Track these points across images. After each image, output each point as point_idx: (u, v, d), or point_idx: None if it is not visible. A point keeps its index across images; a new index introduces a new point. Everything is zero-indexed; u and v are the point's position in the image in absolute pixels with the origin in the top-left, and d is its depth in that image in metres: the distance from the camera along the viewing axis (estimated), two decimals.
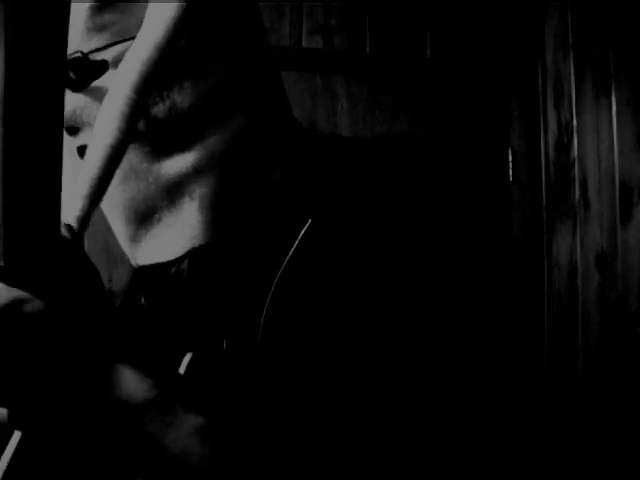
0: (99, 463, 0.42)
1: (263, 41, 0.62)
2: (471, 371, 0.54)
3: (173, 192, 0.58)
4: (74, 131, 0.58)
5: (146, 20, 0.54)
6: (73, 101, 0.57)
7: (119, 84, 0.53)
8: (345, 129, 1.85)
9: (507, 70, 1.97)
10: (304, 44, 1.86)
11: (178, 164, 0.57)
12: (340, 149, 0.61)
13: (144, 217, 0.59)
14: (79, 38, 0.56)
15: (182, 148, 0.57)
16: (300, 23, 1.86)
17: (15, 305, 0.38)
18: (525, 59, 1.98)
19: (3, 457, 0.43)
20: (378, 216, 0.53)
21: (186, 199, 0.58)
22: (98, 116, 0.54)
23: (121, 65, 0.54)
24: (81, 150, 0.58)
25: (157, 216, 0.58)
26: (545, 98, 1.95)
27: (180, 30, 0.54)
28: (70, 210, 0.53)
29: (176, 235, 0.58)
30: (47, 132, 0.38)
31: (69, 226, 0.51)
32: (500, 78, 1.97)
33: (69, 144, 0.59)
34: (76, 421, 0.41)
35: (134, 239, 0.60)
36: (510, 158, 1.94)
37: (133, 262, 0.63)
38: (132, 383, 0.43)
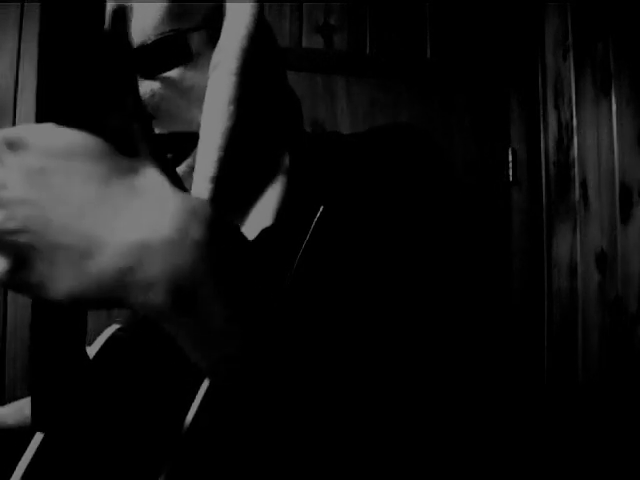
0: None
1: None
2: (471, 371, 0.54)
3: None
4: (149, 118, 0.57)
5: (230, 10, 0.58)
6: (148, 88, 0.56)
7: (220, 70, 0.56)
8: (345, 129, 1.85)
9: (507, 70, 1.97)
10: (304, 44, 1.86)
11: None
12: (345, 143, 0.62)
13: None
14: (153, 25, 0.55)
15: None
16: (300, 23, 1.86)
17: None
18: (525, 59, 1.98)
19: (22, 460, 0.43)
20: (384, 204, 0.54)
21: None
22: (206, 105, 0.56)
23: (218, 49, 0.57)
24: (159, 138, 0.57)
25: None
26: (545, 98, 1.95)
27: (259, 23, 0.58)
28: (199, 182, 0.54)
29: (253, 219, 0.59)
30: None
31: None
32: (500, 78, 1.97)
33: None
34: None
35: None
36: (510, 158, 1.94)
37: None
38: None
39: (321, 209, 0.54)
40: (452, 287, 0.54)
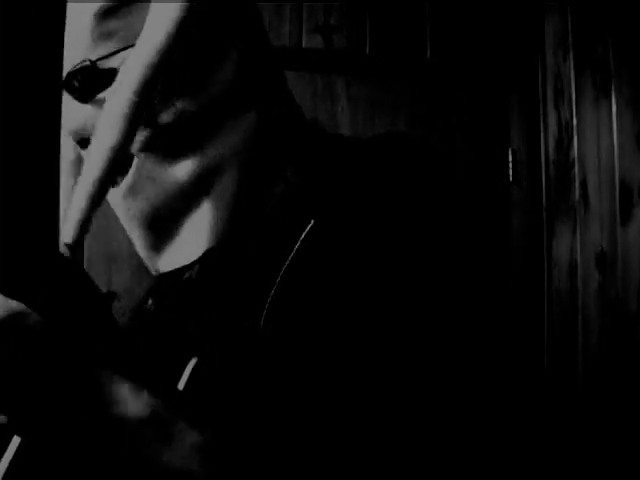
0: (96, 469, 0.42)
1: (265, 39, 0.62)
2: (471, 371, 0.54)
3: (191, 194, 0.57)
4: (85, 143, 0.57)
5: (148, 21, 0.54)
6: (83, 112, 0.57)
7: (120, 87, 0.53)
8: (345, 129, 1.85)
9: (507, 70, 1.96)
10: (304, 44, 1.86)
11: (192, 165, 0.57)
12: (344, 149, 0.61)
13: (166, 223, 0.59)
14: (85, 47, 0.55)
15: (195, 150, 0.57)
16: (300, 23, 1.86)
17: (13, 318, 0.39)
18: (525, 59, 1.98)
19: (4, 458, 0.43)
20: (380, 219, 0.53)
21: (203, 199, 0.57)
22: (100, 119, 0.54)
23: (122, 68, 0.54)
24: None
25: (179, 220, 0.58)
26: (545, 98, 1.95)
27: (182, 31, 0.53)
28: (71, 213, 0.53)
29: (196, 237, 0.58)
30: (44, 143, 0.38)
31: (67, 244, 0.51)
32: (500, 78, 1.96)
33: (73, 154, 0.59)
34: (71, 433, 0.41)
35: (156, 247, 0.60)
36: (510, 158, 1.94)
37: (153, 271, 0.62)
38: (129, 398, 0.42)
39: (312, 223, 0.53)
40: (452, 288, 0.54)
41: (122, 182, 0.58)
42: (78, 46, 0.55)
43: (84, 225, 0.52)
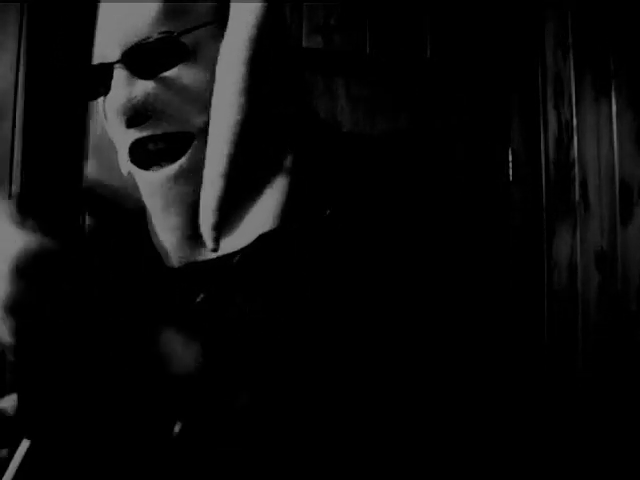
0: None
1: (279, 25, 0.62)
2: (471, 371, 0.54)
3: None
4: (142, 119, 0.56)
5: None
6: (143, 88, 0.56)
7: (229, 64, 0.54)
8: (345, 129, 1.85)
9: (507, 70, 1.96)
10: (304, 44, 1.86)
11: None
12: (356, 145, 0.61)
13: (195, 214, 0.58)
14: (148, 24, 0.55)
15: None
16: (300, 23, 1.86)
17: (37, 255, 0.37)
18: (525, 59, 1.98)
19: (10, 465, 0.43)
20: (391, 211, 0.53)
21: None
22: (214, 97, 0.54)
23: (223, 48, 0.55)
24: (151, 139, 0.57)
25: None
26: (545, 98, 1.95)
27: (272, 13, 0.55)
28: (209, 191, 0.52)
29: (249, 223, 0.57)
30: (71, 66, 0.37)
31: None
32: (500, 78, 1.96)
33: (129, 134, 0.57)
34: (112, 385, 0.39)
35: (216, 227, 0.58)
36: (510, 158, 1.94)
37: (185, 259, 0.61)
38: (179, 347, 0.41)
39: (327, 212, 0.53)
40: (452, 288, 0.54)
41: (177, 163, 0.56)
42: (136, 24, 0.55)
43: (224, 203, 0.52)
